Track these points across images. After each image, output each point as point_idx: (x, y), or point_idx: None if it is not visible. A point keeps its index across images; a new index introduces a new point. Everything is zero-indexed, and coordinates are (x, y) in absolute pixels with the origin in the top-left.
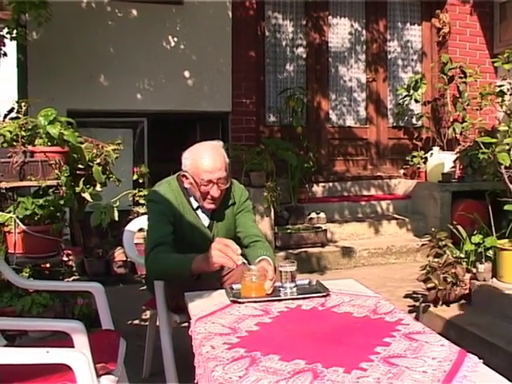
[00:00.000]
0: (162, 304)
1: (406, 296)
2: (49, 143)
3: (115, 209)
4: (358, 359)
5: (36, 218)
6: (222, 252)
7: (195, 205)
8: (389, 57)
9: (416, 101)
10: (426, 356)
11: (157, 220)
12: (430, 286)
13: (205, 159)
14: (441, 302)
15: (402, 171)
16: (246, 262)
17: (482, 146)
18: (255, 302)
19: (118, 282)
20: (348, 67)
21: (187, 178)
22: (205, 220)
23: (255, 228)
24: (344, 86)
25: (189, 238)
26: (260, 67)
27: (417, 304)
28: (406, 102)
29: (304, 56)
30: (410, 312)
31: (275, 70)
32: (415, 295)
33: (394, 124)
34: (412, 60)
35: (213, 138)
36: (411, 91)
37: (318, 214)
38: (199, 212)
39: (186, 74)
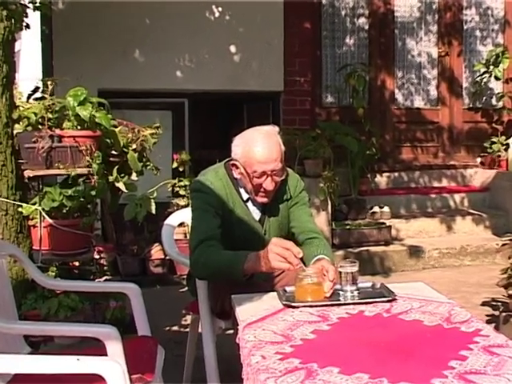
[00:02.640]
0: (206, 308)
1: (484, 304)
2: (78, 127)
3: (152, 201)
4: (430, 375)
5: (64, 211)
6: (281, 256)
7: (245, 196)
8: (465, 27)
9: (496, 78)
10: (510, 373)
11: (203, 211)
12: None
13: (258, 148)
14: None
15: (479, 160)
16: (301, 262)
17: None
18: (311, 306)
19: (154, 283)
20: (417, 40)
21: (237, 168)
22: (255, 213)
23: (311, 223)
24: (412, 62)
25: (238, 233)
26: (316, 40)
27: (496, 313)
28: (484, 80)
29: (366, 27)
30: (487, 322)
31: (333, 44)
32: (494, 303)
33: (471, 105)
34: (492, 30)
35: (262, 121)
36: (491, 67)
37: (381, 207)
38: (249, 204)
39: (232, 48)
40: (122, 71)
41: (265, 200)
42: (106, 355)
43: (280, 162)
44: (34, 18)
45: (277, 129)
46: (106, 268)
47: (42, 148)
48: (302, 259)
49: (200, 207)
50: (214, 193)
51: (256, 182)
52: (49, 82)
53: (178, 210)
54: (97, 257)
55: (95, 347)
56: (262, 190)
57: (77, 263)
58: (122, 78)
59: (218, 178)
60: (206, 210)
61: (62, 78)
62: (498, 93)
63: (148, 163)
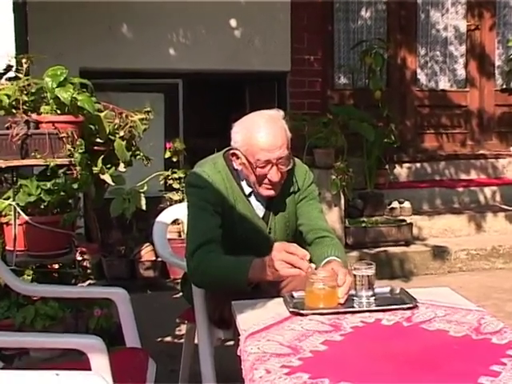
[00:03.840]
0: (203, 316)
1: None
2: (58, 111)
3: (142, 195)
4: None
5: (42, 207)
6: (287, 262)
7: (247, 190)
8: None
9: None
10: None
11: (200, 210)
12: None
13: (261, 134)
14: None
15: None
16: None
17: None
18: (322, 314)
19: (145, 288)
20: (443, 12)
21: (238, 158)
22: (259, 210)
23: (322, 220)
24: (437, 37)
25: (240, 232)
26: (328, 13)
27: None
28: None
29: None
30: None
31: (347, 17)
32: None
33: (504, 86)
34: None
35: (266, 105)
36: None
37: (401, 203)
38: (252, 199)
39: (233, 22)
40: (107, 48)
41: (271, 193)
42: (89, 370)
43: (286, 149)
44: None
45: (281, 113)
46: (89, 271)
47: (17, 135)
48: (310, 261)
49: (197, 205)
50: (212, 187)
51: (259, 173)
52: (23, 60)
53: (171, 205)
54: (79, 258)
55: (77, 361)
56: (266, 181)
57: (56, 266)
58: (107, 56)
59: (217, 171)
60: (203, 208)
61: (38, 56)
62: None
63: (137, 152)
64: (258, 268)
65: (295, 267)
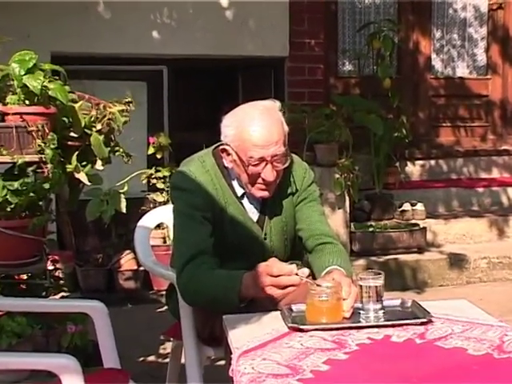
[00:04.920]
0: (190, 332)
1: None
2: (27, 101)
3: (122, 196)
4: None
5: (8, 209)
6: (276, 286)
7: (239, 192)
8: None
9: None
10: None
11: (188, 218)
12: None
13: (255, 128)
14: None
15: None
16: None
17: None
18: (324, 329)
19: (125, 301)
20: None
21: (229, 154)
22: (253, 213)
23: (324, 224)
24: (454, 18)
25: (231, 238)
26: None
27: None
28: None
29: None
30: None
31: None
32: None
33: None
34: None
35: (261, 95)
36: None
37: (413, 205)
38: (245, 202)
39: (224, 2)
40: (82, 30)
41: (265, 194)
42: None
43: (282, 146)
44: None
45: (278, 104)
46: (62, 282)
47: None
48: (312, 276)
49: (183, 213)
50: (200, 190)
51: (252, 172)
52: None
53: (155, 207)
54: (51, 268)
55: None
56: (260, 180)
57: (24, 276)
58: (82, 39)
59: (205, 170)
60: (190, 215)
61: (2, 38)
62: None
63: (117, 148)
64: (250, 284)
65: (288, 286)
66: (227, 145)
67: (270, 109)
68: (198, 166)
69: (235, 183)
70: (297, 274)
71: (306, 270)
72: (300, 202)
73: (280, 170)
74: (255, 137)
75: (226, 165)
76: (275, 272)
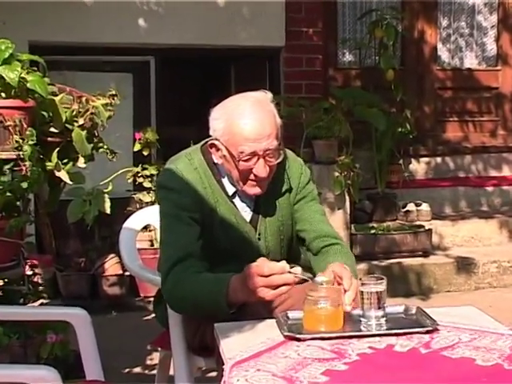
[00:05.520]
0: (180, 341)
1: None
2: (3, 94)
3: (106, 196)
4: None
5: None
6: (268, 286)
7: (230, 190)
8: None
9: None
10: None
11: (175, 220)
12: None
13: (246, 120)
14: None
15: None
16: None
17: None
18: (323, 338)
19: (109, 309)
20: None
21: (218, 150)
22: (245, 212)
23: (326, 224)
24: (462, 5)
25: (223, 240)
26: None
27: None
28: None
29: None
30: None
31: None
32: None
33: None
34: None
35: (255, 87)
36: None
37: (418, 205)
38: (237, 200)
39: None
40: (63, 18)
41: (257, 191)
42: None
43: (275, 139)
44: None
45: (270, 95)
46: (41, 288)
47: None
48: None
49: (170, 213)
50: (188, 189)
51: (244, 167)
52: None
53: (141, 208)
54: (29, 273)
55: None
56: (252, 177)
57: (1, 282)
58: (63, 28)
59: (193, 168)
60: (177, 216)
61: None
62: None
63: (100, 145)
64: (238, 287)
65: (280, 285)
66: (216, 139)
67: (261, 100)
68: (186, 164)
69: (226, 181)
70: (290, 272)
71: (299, 269)
72: (299, 201)
73: (273, 166)
74: (246, 130)
75: (216, 161)
76: (266, 272)
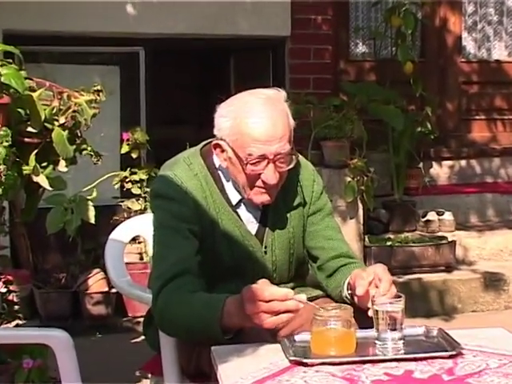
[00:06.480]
0: (173, 367)
1: None
2: None
3: (90, 204)
4: None
5: None
6: (269, 312)
7: (235, 199)
8: None
9: None
10: None
11: (171, 232)
12: None
13: (256, 119)
14: None
15: None
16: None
17: None
18: (333, 363)
19: (93, 330)
20: None
21: (223, 151)
22: (251, 222)
23: (344, 243)
24: None
25: (225, 255)
26: None
27: None
28: None
29: None
30: None
31: None
32: None
33: None
34: None
35: (257, 82)
36: None
37: (440, 214)
38: (241, 211)
39: None
40: (41, 4)
41: (265, 199)
42: None
43: (287, 143)
44: None
45: (283, 93)
46: (17, 307)
47: None
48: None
49: (165, 225)
50: (187, 198)
51: (251, 172)
52: None
53: (129, 217)
54: (3, 290)
55: None
56: (259, 183)
57: None
58: (41, 15)
59: (193, 174)
60: (174, 228)
61: None
62: None
63: (84, 146)
64: (233, 311)
65: (281, 312)
66: (222, 139)
67: (274, 99)
68: (185, 170)
69: (230, 188)
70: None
71: (304, 296)
72: (314, 214)
73: (284, 172)
74: (256, 130)
75: (220, 164)
76: (267, 296)
